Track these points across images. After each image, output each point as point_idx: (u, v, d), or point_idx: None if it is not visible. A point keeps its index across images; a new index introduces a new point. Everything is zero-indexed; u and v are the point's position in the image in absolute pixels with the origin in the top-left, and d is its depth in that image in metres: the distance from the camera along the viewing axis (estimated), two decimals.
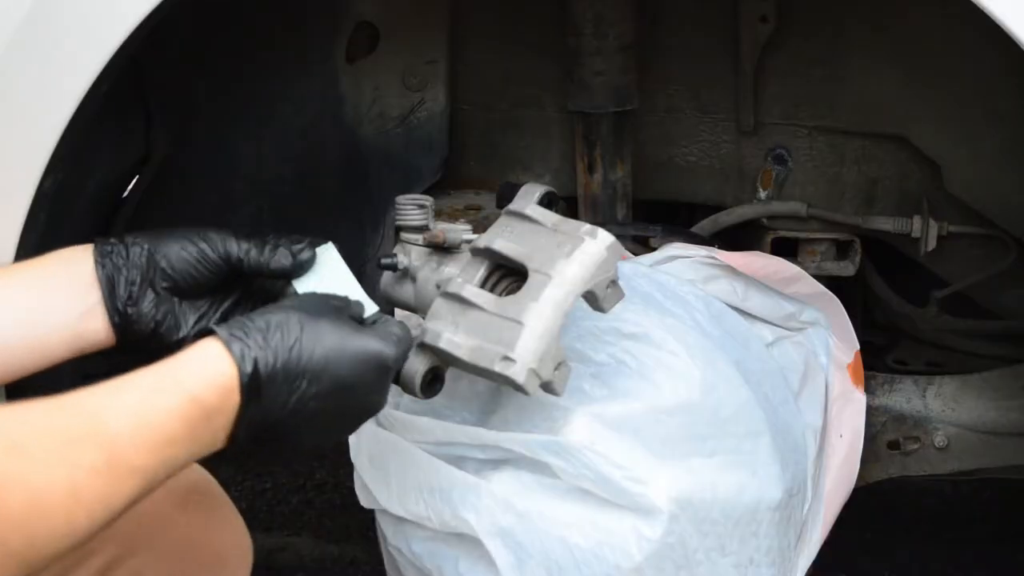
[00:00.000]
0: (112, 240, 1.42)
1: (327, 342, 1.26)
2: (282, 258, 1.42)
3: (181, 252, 1.40)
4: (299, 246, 1.43)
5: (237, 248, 1.41)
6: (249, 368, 1.21)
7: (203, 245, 1.41)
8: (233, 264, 1.41)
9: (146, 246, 1.41)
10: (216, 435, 1.20)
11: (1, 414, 1.09)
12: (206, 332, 1.24)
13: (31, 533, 1.06)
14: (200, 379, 1.19)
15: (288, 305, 1.30)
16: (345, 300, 1.36)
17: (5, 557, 1.05)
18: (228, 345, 1.21)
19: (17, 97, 1.54)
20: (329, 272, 1.45)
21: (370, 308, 1.40)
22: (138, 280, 1.39)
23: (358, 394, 1.29)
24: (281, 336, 1.24)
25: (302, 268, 1.43)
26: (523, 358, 1.35)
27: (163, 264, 1.40)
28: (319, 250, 1.45)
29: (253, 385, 1.21)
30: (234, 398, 1.21)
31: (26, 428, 1.09)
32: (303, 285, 1.42)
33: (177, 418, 1.16)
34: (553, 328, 1.36)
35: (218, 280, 1.42)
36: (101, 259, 1.40)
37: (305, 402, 1.25)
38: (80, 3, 1.51)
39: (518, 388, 1.36)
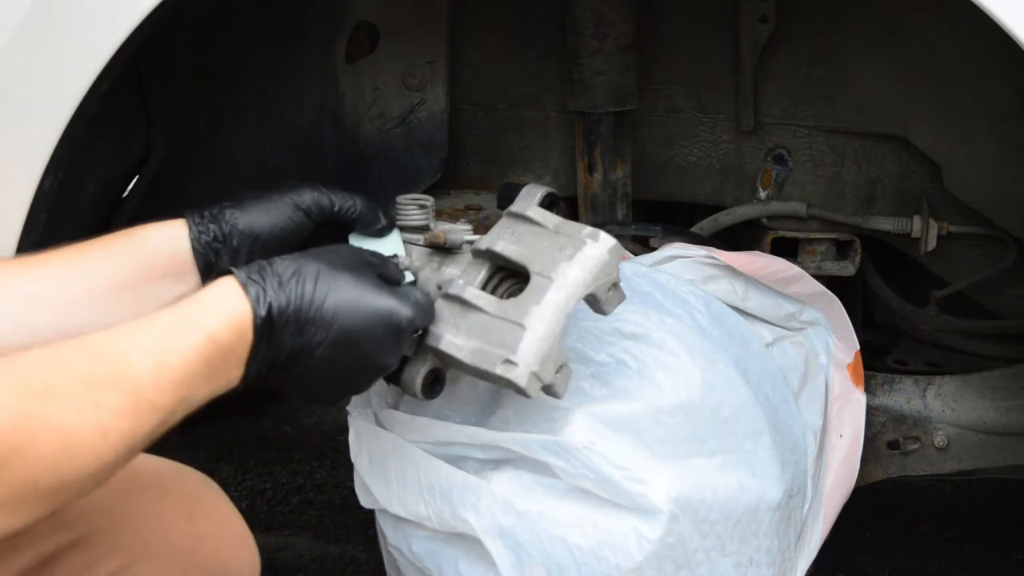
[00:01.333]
0: (207, 219, 1.43)
1: (341, 294, 1.30)
2: (371, 213, 1.48)
3: (279, 226, 1.43)
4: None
5: (330, 203, 1.45)
6: (263, 312, 1.25)
7: (301, 214, 1.44)
8: (326, 219, 1.45)
9: (244, 226, 1.43)
10: (231, 373, 1.24)
11: (31, 358, 1.12)
12: (224, 272, 1.28)
13: (61, 473, 1.10)
14: (218, 317, 1.23)
15: (315, 253, 1.33)
16: (381, 259, 1.39)
17: (36, 496, 1.09)
18: (245, 287, 1.26)
19: (17, 97, 1.54)
20: (388, 241, 1.49)
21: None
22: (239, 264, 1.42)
23: (366, 349, 1.32)
24: (296, 283, 1.28)
25: (389, 228, 1.50)
26: (525, 361, 1.35)
27: (263, 242, 1.43)
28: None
29: (266, 327, 1.25)
30: (247, 337, 1.25)
31: (55, 372, 1.12)
32: (360, 244, 1.46)
33: (196, 357, 1.19)
34: (555, 331, 1.36)
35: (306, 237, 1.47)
36: (200, 246, 1.42)
37: (313, 349, 1.28)
38: (80, 3, 1.51)
39: (519, 391, 1.36)
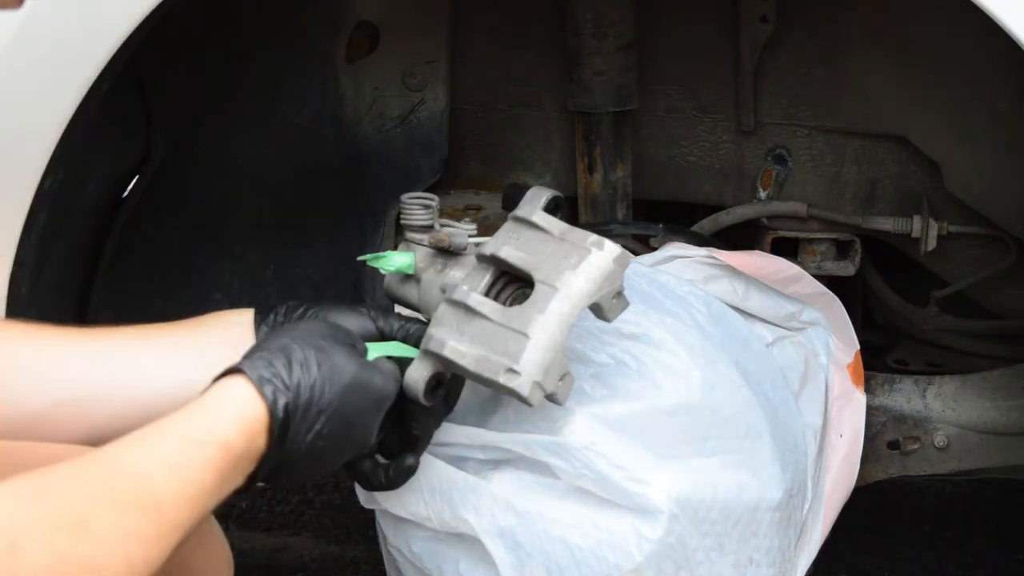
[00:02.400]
0: (273, 306, 1.43)
1: (341, 380, 1.28)
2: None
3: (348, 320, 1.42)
4: None
5: (390, 328, 1.43)
6: (281, 414, 1.23)
7: (368, 323, 1.42)
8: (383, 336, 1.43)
9: (312, 310, 1.42)
10: (238, 478, 1.22)
11: (61, 480, 1.10)
12: (232, 370, 1.25)
13: None
14: (232, 425, 1.21)
15: (301, 335, 1.30)
16: (348, 333, 1.37)
17: None
18: (260, 388, 1.23)
19: (17, 97, 1.54)
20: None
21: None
22: None
23: (358, 431, 1.32)
24: (303, 373, 1.26)
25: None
26: (528, 371, 1.35)
27: None
28: None
29: (282, 429, 1.24)
30: (259, 441, 1.23)
31: (86, 498, 1.10)
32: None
33: (212, 469, 1.18)
34: (558, 341, 1.37)
35: None
36: (261, 322, 1.41)
37: (316, 440, 1.27)
38: (80, 3, 1.51)
39: (522, 400, 1.36)
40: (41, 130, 1.54)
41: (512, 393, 1.36)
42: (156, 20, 1.54)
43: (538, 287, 1.39)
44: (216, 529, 1.53)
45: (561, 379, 1.38)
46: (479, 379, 1.39)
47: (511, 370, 1.36)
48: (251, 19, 1.96)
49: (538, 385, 1.36)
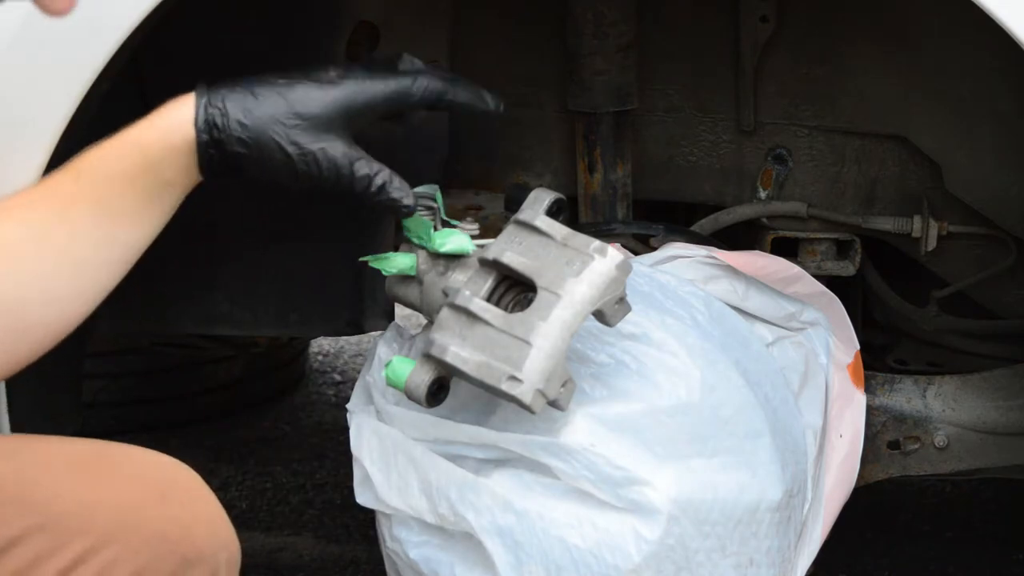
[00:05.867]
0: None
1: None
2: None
3: None
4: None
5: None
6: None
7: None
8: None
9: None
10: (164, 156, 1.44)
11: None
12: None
13: None
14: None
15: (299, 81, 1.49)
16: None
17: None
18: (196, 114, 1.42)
19: (17, 97, 1.54)
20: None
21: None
22: None
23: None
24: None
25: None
26: (530, 379, 1.36)
27: None
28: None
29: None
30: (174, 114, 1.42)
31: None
32: None
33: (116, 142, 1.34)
34: (561, 348, 1.37)
35: None
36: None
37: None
38: (81, 2, 1.51)
39: (524, 407, 1.37)
40: (41, 130, 1.54)
41: (514, 400, 1.37)
42: (156, 19, 1.53)
43: (541, 294, 1.39)
44: (219, 510, 1.51)
45: (563, 386, 1.38)
46: (481, 385, 1.39)
47: (513, 377, 1.36)
48: (251, 18, 1.96)
49: (540, 393, 1.36)
